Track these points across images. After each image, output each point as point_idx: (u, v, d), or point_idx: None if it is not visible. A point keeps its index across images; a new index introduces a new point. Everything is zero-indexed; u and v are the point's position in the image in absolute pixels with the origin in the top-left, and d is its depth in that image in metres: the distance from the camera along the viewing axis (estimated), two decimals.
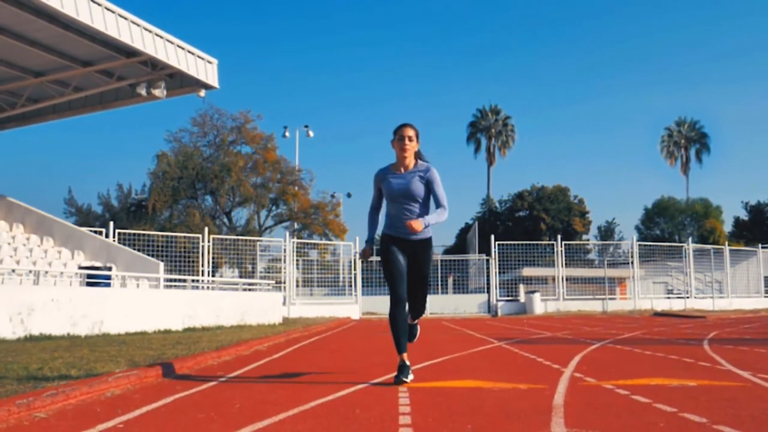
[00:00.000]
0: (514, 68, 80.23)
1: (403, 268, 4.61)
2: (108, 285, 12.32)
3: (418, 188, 4.57)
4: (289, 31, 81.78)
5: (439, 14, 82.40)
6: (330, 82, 79.58)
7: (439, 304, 24.69)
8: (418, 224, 4.36)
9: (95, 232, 17.74)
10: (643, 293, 26.37)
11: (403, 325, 4.57)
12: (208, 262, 20.28)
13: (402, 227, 4.55)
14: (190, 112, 52.00)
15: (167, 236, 20.81)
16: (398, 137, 4.64)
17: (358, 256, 4.46)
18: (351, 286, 23.69)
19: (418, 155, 4.78)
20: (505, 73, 79.81)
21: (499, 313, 24.25)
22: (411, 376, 4.51)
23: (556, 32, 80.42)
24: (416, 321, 4.94)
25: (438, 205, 4.61)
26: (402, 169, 4.65)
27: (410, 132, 4.63)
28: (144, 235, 19.68)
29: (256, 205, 34.84)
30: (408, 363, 4.55)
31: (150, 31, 12.91)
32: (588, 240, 45.79)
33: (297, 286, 22.99)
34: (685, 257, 27.39)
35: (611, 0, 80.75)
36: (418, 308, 4.78)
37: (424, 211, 4.63)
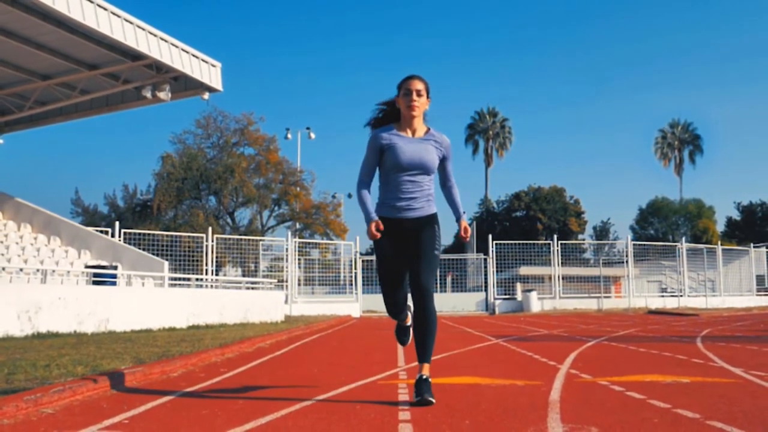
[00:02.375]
0: (512, 71, 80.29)
1: (402, 272, 3.71)
2: (114, 284, 12.32)
3: (435, 160, 3.67)
4: (290, 34, 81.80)
5: (438, 17, 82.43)
6: (330, 85, 79.61)
7: (438, 303, 24.38)
8: (468, 227, 3.78)
9: (101, 231, 17.75)
10: (638, 292, 26.37)
11: (402, 315, 4.07)
12: (212, 261, 20.29)
13: (403, 204, 3.65)
14: (194, 114, 52.15)
15: (172, 236, 20.82)
16: (404, 92, 3.66)
17: (368, 236, 3.35)
18: (351, 284, 23.68)
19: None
20: (503, 75, 79.85)
21: (497, 311, 24.24)
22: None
23: (552, 35, 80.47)
24: (426, 375, 3.54)
25: (450, 180, 3.86)
26: (410, 132, 3.70)
27: (419, 85, 3.65)
28: (149, 234, 19.68)
29: (259, 205, 34.84)
30: (410, 323, 4.01)
31: (155, 35, 12.92)
32: (583, 239, 45.78)
33: (299, 284, 22.99)
34: (679, 256, 27.38)
35: (607, 4, 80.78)
36: (422, 284, 3.58)
37: (432, 185, 3.76)
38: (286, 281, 21.90)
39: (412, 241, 3.65)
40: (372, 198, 3.74)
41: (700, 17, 78.93)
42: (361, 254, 24.09)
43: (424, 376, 3.54)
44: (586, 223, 48.48)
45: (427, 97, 3.70)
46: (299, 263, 23.39)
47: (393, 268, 3.72)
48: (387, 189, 3.70)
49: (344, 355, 6.95)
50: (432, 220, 3.73)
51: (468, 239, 3.76)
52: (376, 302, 23.07)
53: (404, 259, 3.68)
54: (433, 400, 3.42)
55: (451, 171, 3.84)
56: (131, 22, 12.37)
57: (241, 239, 23.41)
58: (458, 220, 3.86)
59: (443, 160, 3.77)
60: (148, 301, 11.60)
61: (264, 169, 34.45)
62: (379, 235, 3.55)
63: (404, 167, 3.61)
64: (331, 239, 33.82)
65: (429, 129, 3.76)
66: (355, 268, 23.59)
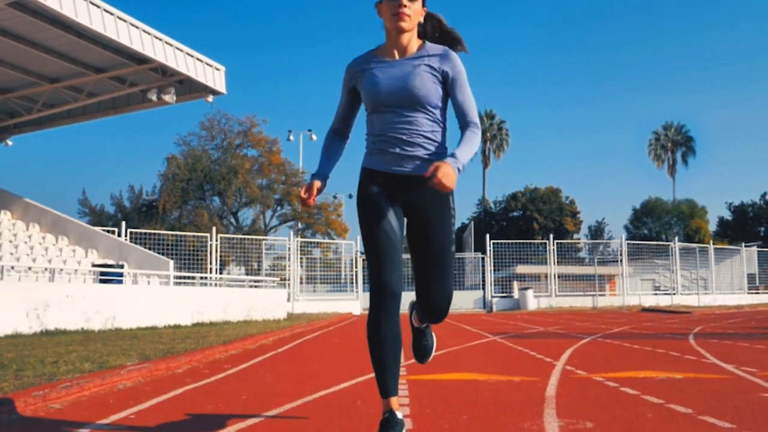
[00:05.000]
0: (509, 74, 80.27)
1: (395, 233, 2.44)
2: (120, 282, 12.31)
3: (426, 85, 2.40)
4: (292, 37, 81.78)
5: None
6: (331, 87, 79.60)
7: None
8: (450, 175, 2.21)
9: (108, 231, 17.74)
10: (632, 290, 26.36)
11: (390, 342, 2.48)
12: (216, 260, 20.28)
13: (394, 151, 2.43)
14: (199, 116, 52.09)
15: (177, 235, 20.80)
16: None
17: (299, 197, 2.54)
18: (352, 283, 23.68)
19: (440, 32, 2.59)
20: (500, 78, 79.81)
21: (494, 308, 24.24)
22: None
23: (549, 39, 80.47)
24: (426, 325, 2.80)
25: (465, 119, 2.46)
26: (396, 53, 2.47)
27: None
28: (154, 234, 19.67)
29: (262, 205, 34.84)
30: (400, 416, 2.42)
31: (160, 39, 12.92)
32: (579, 239, 45.78)
33: (300, 283, 22.98)
34: (672, 255, 27.38)
35: (602, 8, 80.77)
36: (436, 306, 2.52)
37: (438, 128, 2.46)
38: (289, 280, 21.89)
39: (414, 216, 2.49)
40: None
41: (694, 21, 78.96)
42: (361, 253, 24.08)
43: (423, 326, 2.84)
44: (581, 223, 48.54)
45: (423, 5, 2.47)
46: (301, 262, 23.38)
47: (383, 235, 2.43)
48: (372, 133, 2.52)
49: (345, 351, 6.94)
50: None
51: (441, 183, 2.19)
52: None
53: (399, 225, 2.48)
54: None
55: (469, 103, 2.47)
56: (137, 27, 12.37)
57: (244, 239, 23.40)
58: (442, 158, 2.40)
59: (449, 84, 2.44)
60: (154, 299, 11.60)
61: (267, 170, 34.45)
62: (307, 197, 2.48)
63: (384, 100, 2.41)
64: (333, 239, 33.80)
65: (422, 44, 2.49)
66: (356, 267, 23.58)
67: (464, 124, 2.45)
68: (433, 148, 2.44)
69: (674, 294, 26.59)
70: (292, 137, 35.65)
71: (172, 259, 16.17)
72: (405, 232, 2.53)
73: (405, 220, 2.52)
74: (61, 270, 12.59)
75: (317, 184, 2.53)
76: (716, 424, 2.76)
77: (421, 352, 2.84)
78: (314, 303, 22.04)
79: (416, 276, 2.54)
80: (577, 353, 6.19)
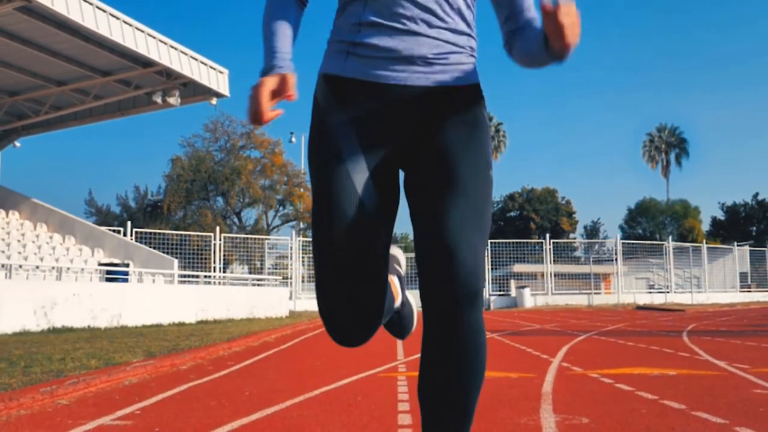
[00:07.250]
0: (506, 74, 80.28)
1: (372, 206, 1.33)
2: (126, 281, 12.32)
3: None
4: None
5: None
6: None
7: None
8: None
9: (114, 231, 17.74)
10: (626, 288, 26.36)
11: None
12: (220, 259, 20.28)
13: (396, 45, 1.31)
14: (203, 118, 52.00)
15: (181, 235, 20.82)
16: None
17: (249, 112, 1.16)
18: None
19: None
20: (497, 81, 79.86)
21: (492, 307, 24.23)
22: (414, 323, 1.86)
23: None
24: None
25: (525, 15, 1.47)
26: None
27: None
28: (159, 233, 19.67)
29: (264, 205, 34.86)
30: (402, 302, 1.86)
31: (165, 43, 12.93)
32: (575, 238, 45.73)
33: (302, 281, 22.97)
34: (666, 254, 27.38)
35: (598, 9, 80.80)
36: (452, 264, 1.23)
37: (472, 13, 1.47)
38: (291, 278, 21.90)
39: (422, 167, 1.35)
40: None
41: (690, 23, 79.00)
42: None
43: None
44: (577, 223, 48.50)
45: None
46: (303, 261, 23.37)
47: (345, 210, 1.35)
48: (356, 5, 1.42)
49: (345, 348, 6.93)
50: (471, 100, 1.41)
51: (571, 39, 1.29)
52: None
53: (386, 192, 1.38)
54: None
55: None
56: (142, 31, 12.38)
57: (247, 238, 23.41)
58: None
59: None
60: (159, 297, 11.60)
61: (269, 171, 34.48)
62: (265, 111, 1.36)
63: None
64: None
65: None
66: None
67: (527, 17, 1.50)
68: (456, 32, 1.42)
69: (668, 292, 26.58)
70: (294, 139, 35.68)
71: (176, 258, 16.16)
72: (405, 191, 1.40)
73: (402, 174, 1.41)
74: (68, 269, 12.59)
75: (290, 76, 1.37)
76: (709, 419, 2.77)
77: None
78: (315, 301, 22.02)
79: (419, 233, 1.33)
80: (573, 350, 6.20)
